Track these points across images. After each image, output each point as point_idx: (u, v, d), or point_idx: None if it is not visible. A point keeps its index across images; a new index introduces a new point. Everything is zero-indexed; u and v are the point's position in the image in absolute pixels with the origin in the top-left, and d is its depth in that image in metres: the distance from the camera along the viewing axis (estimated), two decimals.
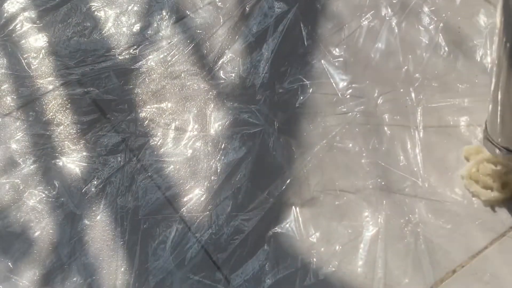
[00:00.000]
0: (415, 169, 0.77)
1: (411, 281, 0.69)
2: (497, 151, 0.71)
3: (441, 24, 0.90)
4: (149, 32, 0.97)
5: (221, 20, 0.96)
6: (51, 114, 0.89)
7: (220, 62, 0.91)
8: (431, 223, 0.72)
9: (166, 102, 0.88)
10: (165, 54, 0.94)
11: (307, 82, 0.87)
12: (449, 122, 0.80)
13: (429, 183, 0.75)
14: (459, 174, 0.75)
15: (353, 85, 0.85)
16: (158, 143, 0.84)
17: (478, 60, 0.86)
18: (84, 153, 0.84)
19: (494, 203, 0.73)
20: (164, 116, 0.87)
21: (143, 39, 0.96)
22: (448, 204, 0.74)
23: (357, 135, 0.81)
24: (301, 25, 0.93)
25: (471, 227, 0.72)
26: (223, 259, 0.73)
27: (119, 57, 0.94)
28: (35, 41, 0.98)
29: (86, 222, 0.78)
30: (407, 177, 0.76)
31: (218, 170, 0.80)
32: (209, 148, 0.83)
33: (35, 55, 0.96)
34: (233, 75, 0.90)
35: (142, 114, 0.87)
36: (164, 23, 0.97)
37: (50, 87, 0.92)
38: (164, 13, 0.98)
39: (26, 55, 0.96)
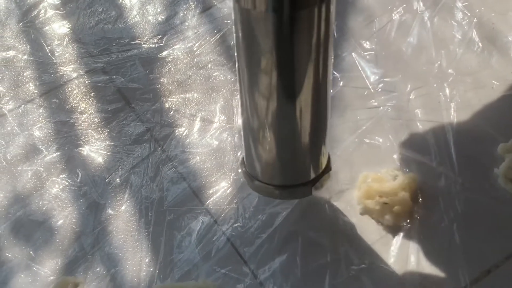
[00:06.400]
0: (449, 165, 0.75)
1: (444, 280, 0.67)
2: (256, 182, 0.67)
3: (475, 20, 0.88)
4: (175, 21, 0.95)
5: None
6: (75, 101, 0.87)
7: None
8: (466, 221, 0.71)
9: (192, 92, 0.87)
10: (191, 44, 0.92)
11: (338, 75, 0.85)
12: (483, 119, 0.79)
13: (464, 180, 0.73)
14: (494, 172, 0.74)
15: (385, 79, 0.84)
16: (184, 134, 0.83)
17: None
18: (108, 142, 0.83)
19: None
20: (189, 106, 0.85)
21: (169, 29, 0.94)
22: (484, 202, 0.72)
23: (389, 130, 0.79)
24: None
25: (507, 226, 0.70)
26: (250, 253, 0.71)
27: (145, 46, 0.92)
28: (59, 28, 0.97)
29: (110, 212, 0.76)
30: (442, 174, 0.74)
31: None
32: (235, 140, 0.81)
33: (58, 42, 0.95)
34: None
35: (168, 104, 0.86)
36: (191, 12, 0.96)
37: (74, 74, 0.91)
38: (190, 3, 0.97)
39: (50, 41, 0.95)
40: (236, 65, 0.58)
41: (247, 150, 0.66)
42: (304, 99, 0.57)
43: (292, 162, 0.64)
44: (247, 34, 0.53)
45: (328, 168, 0.68)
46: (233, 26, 0.54)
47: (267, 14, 0.50)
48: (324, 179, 0.68)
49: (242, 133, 0.65)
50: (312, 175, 0.66)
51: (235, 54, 0.57)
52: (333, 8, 0.53)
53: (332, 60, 0.57)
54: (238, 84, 0.60)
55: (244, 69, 0.57)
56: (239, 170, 0.73)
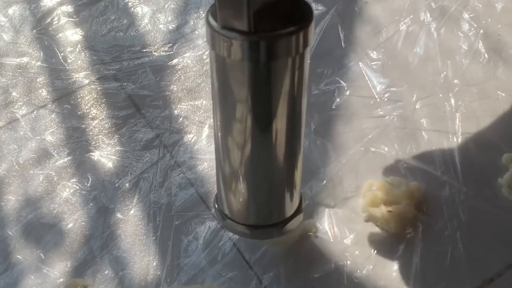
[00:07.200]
0: (453, 175, 0.76)
1: None
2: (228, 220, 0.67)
3: (481, 31, 0.89)
4: (186, 30, 0.97)
5: None
6: (86, 107, 0.89)
7: None
8: (469, 229, 0.71)
9: (201, 100, 0.88)
10: (201, 52, 0.94)
11: (344, 84, 0.86)
12: (487, 129, 0.79)
13: (468, 189, 0.74)
14: (498, 182, 0.74)
15: (391, 88, 0.85)
16: (192, 140, 0.84)
17: None
18: (118, 148, 0.84)
19: None
20: (198, 113, 0.87)
21: (180, 37, 0.96)
22: (487, 211, 0.73)
23: (394, 139, 0.80)
24: (339, 27, 0.92)
25: (510, 236, 0.71)
26: (255, 258, 0.72)
27: (155, 54, 0.94)
28: (72, 35, 0.99)
29: (119, 216, 0.78)
30: (446, 183, 0.75)
31: None
32: None
33: (71, 49, 0.97)
34: None
35: (177, 111, 0.87)
36: (201, 21, 0.97)
37: (86, 81, 0.92)
38: (201, 12, 0.99)
39: (62, 48, 0.97)
40: (212, 112, 0.58)
41: (219, 191, 0.66)
42: (279, 145, 0.57)
43: (264, 204, 0.64)
44: (223, 81, 0.53)
45: (300, 209, 0.67)
46: (210, 73, 0.54)
47: (243, 63, 0.49)
48: (296, 220, 0.67)
49: (215, 174, 0.65)
50: (284, 216, 0.66)
51: (211, 98, 0.57)
52: (307, 58, 0.52)
53: (305, 108, 0.57)
54: (213, 130, 0.60)
55: (218, 116, 0.56)
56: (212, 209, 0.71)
